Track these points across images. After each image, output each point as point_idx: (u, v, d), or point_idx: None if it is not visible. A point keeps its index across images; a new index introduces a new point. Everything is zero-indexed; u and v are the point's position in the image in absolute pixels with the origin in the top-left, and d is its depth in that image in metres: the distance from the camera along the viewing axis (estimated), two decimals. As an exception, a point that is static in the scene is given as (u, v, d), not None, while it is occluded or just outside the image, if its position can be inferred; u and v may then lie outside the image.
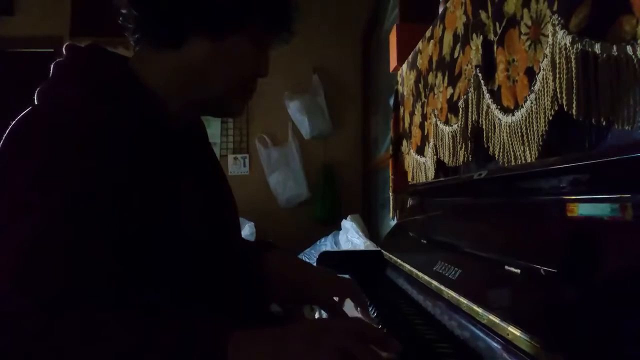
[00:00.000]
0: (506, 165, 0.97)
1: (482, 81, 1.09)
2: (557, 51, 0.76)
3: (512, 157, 0.95)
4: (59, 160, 0.67)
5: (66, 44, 0.82)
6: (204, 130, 0.97)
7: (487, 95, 1.06)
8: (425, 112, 1.63)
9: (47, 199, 0.64)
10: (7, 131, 0.72)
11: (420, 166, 1.67)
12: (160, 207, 0.74)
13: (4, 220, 0.64)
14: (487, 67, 1.07)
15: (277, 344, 0.59)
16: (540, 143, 0.85)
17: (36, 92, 0.78)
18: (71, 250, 0.63)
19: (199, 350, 0.57)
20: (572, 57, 0.73)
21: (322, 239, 3.36)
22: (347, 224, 3.10)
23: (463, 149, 1.23)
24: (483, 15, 1.09)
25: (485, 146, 1.06)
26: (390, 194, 2.11)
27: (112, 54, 0.84)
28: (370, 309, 1.12)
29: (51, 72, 0.80)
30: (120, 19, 0.81)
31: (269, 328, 0.62)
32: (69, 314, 0.59)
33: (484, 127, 1.07)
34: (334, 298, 0.93)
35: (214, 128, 3.70)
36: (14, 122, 0.72)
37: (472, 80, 1.14)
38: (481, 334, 0.77)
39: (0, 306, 0.58)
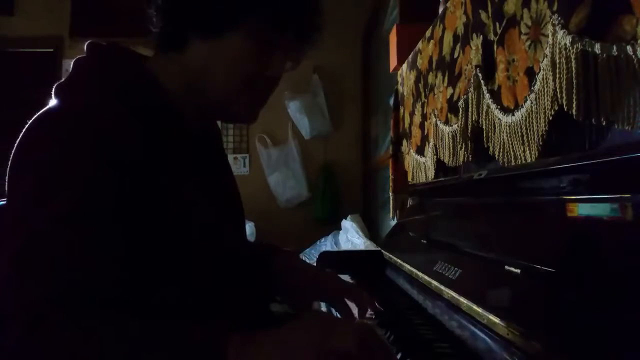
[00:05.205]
0: (506, 165, 0.97)
1: (482, 81, 1.09)
2: (557, 51, 0.76)
3: (512, 157, 0.95)
4: (72, 156, 0.67)
5: (88, 42, 0.83)
6: (219, 135, 0.98)
7: (487, 95, 1.06)
8: (425, 112, 1.62)
9: (59, 195, 0.64)
10: (25, 128, 0.73)
11: (420, 166, 1.67)
12: (170, 207, 0.75)
13: (16, 213, 0.66)
14: (487, 67, 1.07)
15: (277, 345, 0.58)
16: (540, 143, 0.85)
17: (54, 88, 0.78)
18: (78, 245, 0.63)
19: (199, 354, 0.57)
20: (572, 57, 0.73)
21: (322, 239, 3.36)
22: (347, 224, 3.10)
23: (463, 149, 1.23)
24: (483, 15, 1.09)
25: (485, 146, 1.06)
26: (390, 194, 2.11)
27: (132, 54, 0.84)
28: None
29: (71, 69, 0.81)
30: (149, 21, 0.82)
31: (270, 330, 0.61)
32: (66, 314, 0.59)
33: (484, 127, 1.07)
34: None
35: (213, 128, 3.71)
36: (31, 119, 0.73)
37: (472, 80, 1.13)
38: (481, 334, 0.77)
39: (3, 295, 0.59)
